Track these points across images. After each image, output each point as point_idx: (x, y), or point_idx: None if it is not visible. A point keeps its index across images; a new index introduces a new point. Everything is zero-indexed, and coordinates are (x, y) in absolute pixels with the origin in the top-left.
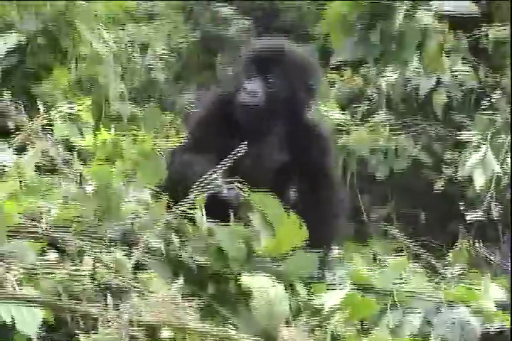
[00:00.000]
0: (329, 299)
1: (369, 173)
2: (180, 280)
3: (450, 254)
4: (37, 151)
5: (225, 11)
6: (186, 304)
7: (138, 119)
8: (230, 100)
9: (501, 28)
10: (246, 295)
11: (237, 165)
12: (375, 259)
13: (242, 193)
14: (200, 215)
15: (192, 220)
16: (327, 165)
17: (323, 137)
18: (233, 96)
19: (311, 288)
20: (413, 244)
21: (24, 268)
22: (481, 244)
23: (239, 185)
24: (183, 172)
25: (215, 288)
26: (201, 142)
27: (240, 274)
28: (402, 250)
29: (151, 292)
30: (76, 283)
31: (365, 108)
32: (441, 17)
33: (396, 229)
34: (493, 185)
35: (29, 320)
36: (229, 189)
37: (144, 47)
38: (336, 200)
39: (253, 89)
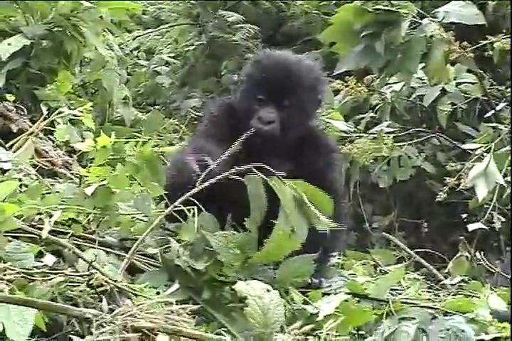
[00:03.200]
0: (324, 306)
1: (372, 182)
2: (176, 286)
3: (450, 264)
4: (30, 148)
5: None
6: (181, 309)
7: (140, 123)
8: (234, 108)
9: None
10: (241, 301)
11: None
12: (375, 268)
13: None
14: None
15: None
16: (330, 176)
17: (329, 148)
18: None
19: (306, 295)
20: (414, 253)
21: (22, 271)
22: (483, 254)
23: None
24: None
25: (210, 293)
26: (206, 150)
27: (235, 281)
28: (403, 259)
29: (146, 297)
30: (72, 287)
31: (369, 117)
32: (446, 27)
33: (398, 238)
34: (495, 195)
35: (19, 327)
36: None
37: (150, 52)
38: (336, 213)
39: (269, 119)
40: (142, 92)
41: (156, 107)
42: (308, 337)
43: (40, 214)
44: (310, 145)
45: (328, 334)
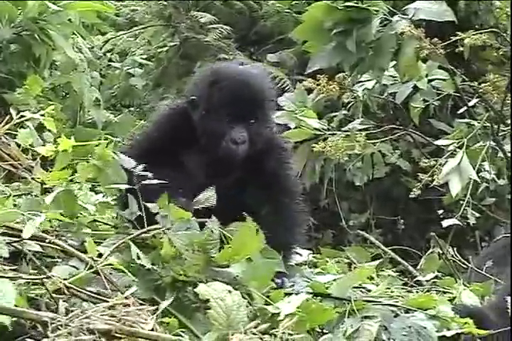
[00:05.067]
0: (285, 306)
1: (348, 180)
2: (134, 288)
3: (422, 260)
4: None
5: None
6: (138, 310)
7: (112, 125)
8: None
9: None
10: (204, 302)
11: (195, 174)
12: (350, 266)
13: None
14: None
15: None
16: (283, 174)
17: (280, 147)
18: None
19: (268, 295)
20: (391, 250)
21: None
22: (457, 250)
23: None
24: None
25: (172, 294)
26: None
27: (197, 282)
28: (380, 256)
29: (103, 299)
30: (30, 290)
31: (342, 115)
32: (417, 24)
33: (374, 236)
34: (469, 191)
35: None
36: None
37: (124, 54)
38: (292, 211)
39: (242, 139)
40: (116, 94)
41: (131, 109)
42: (264, 336)
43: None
44: (261, 146)
45: (283, 332)
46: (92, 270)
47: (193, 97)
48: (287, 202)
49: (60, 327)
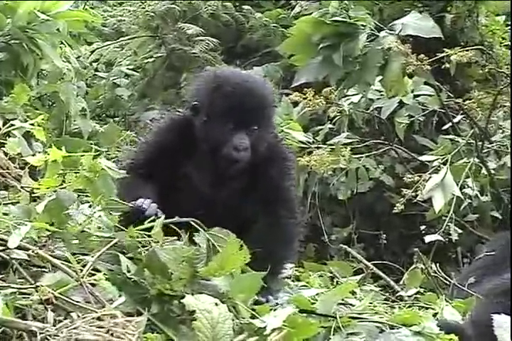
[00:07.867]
0: (271, 320)
1: (331, 194)
2: (122, 298)
3: (405, 276)
4: None
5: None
6: (126, 322)
7: (98, 135)
8: (186, 126)
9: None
10: (191, 314)
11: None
12: (332, 279)
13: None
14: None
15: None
16: (284, 185)
17: (282, 156)
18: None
19: (254, 309)
20: (373, 265)
21: None
22: (440, 266)
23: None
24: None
25: (158, 307)
26: (154, 167)
27: (183, 295)
28: (362, 271)
29: (92, 309)
30: (18, 299)
31: (328, 129)
32: (404, 39)
33: (357, 250)
34: (452, 207)
35: None
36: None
37: (110, 64)
38: (291, 224)
39: (244, 146)
40: (102, 104)
41: (116, 119)
42: None
43: None
44: (264, 154)
45: None
46: (76, 283)
47: (195, 102)
48: (284, 215)
49: (48, 337)
